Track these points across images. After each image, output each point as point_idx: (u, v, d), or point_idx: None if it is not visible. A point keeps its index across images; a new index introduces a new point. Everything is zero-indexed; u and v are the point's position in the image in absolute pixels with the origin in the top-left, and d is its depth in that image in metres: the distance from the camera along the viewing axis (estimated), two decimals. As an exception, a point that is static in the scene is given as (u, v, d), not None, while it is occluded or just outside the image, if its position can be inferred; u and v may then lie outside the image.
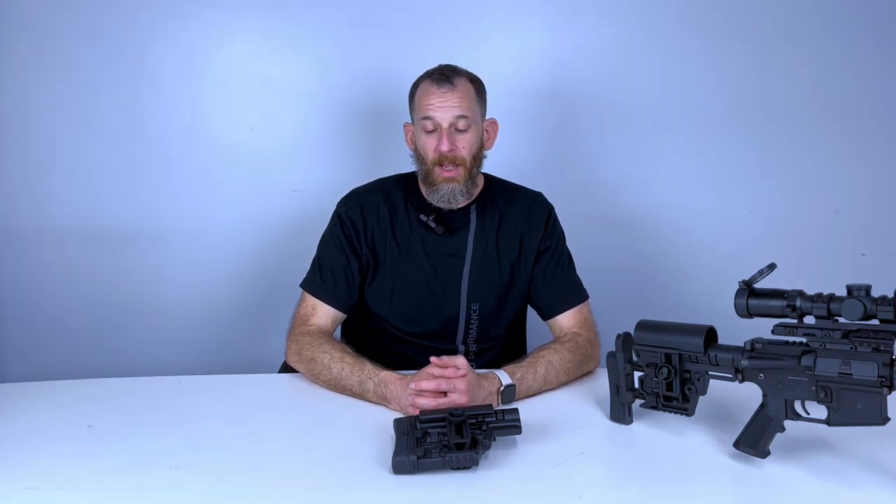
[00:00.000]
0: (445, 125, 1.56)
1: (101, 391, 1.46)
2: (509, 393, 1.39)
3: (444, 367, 1.33)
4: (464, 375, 1.31)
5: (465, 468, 1.08)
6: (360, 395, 1.43)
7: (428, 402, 1.29)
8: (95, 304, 2.28)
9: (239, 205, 2.29)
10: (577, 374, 1.55)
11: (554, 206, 1.73)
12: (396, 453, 1.10)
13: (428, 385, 1.30)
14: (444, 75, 1.58)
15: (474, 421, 1.14)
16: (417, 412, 1.23)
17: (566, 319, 1.64)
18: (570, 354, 1.53)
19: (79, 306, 2.28)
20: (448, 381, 1.30)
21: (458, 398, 1.29)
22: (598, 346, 1.62)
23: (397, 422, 1.19)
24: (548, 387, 1.48)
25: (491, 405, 1.23)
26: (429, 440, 1.11)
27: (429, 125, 1.57)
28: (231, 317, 2.32)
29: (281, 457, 1.15)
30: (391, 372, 1.42)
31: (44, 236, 2.25)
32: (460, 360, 1.34)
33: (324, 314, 1.62)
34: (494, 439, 1.15)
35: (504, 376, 1.41)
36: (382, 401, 1.39)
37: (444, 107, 1.55)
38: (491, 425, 1.14)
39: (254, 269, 2.31)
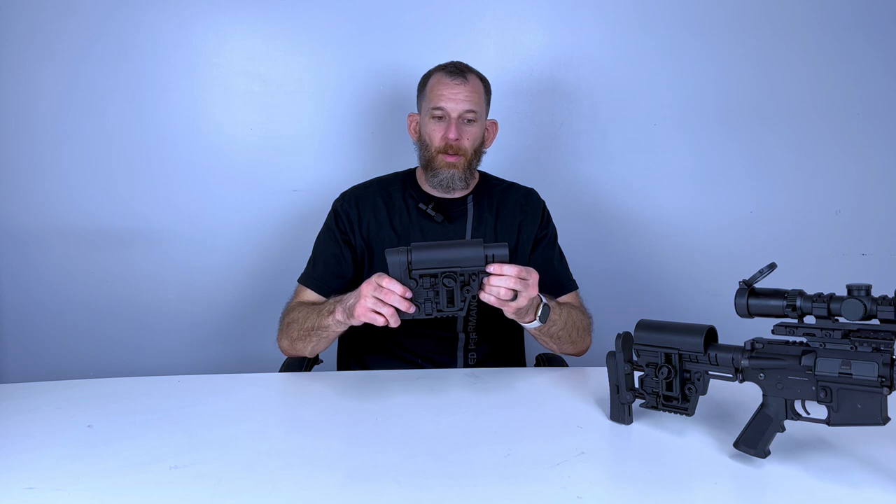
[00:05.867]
0: (454, 115, 1.62)
1: (101, 391, 1.45)
2: (545, 312, 1.45)
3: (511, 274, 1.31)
4: (523, 278, 1.32)
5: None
6: (322, 325, 1.47)
7: (375, 318, 1.31)
8: (95, 304, 2.28)
9: (239, 205, 2.29)
10: (582, 342, 1.62)
11: (554, 204, 1.77)
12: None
13: (396, 287, 1.27)
14: (459, 69, 1.65)
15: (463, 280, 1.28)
16: (379, 318, 1.30)
17: (567, 300, 1.69)
18: (582, 315, 1.63)
19: (79, 306, 2.28)
20: (523, 281, 1.31)
21: (522, 300, 1.32)
22: (591, 330, 1.68)
23: (388, 253, 1.28)
24: (565, 331, 1.54)
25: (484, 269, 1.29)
26: (420, 296, 1.27)
27: (438, 114, 1.63)
28: (231, 316, 2.32)
29: (281, 457, 1.15)
30: None
31: (44, 236, 2.25)
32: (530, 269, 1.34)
33: (305, 297, 1.66)
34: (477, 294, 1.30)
35: (543, 297, 1.46)
36: (342, 312, 1.40)
37: (456, 98, 1.62)
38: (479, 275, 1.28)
39: (254, 268, 2.31)
